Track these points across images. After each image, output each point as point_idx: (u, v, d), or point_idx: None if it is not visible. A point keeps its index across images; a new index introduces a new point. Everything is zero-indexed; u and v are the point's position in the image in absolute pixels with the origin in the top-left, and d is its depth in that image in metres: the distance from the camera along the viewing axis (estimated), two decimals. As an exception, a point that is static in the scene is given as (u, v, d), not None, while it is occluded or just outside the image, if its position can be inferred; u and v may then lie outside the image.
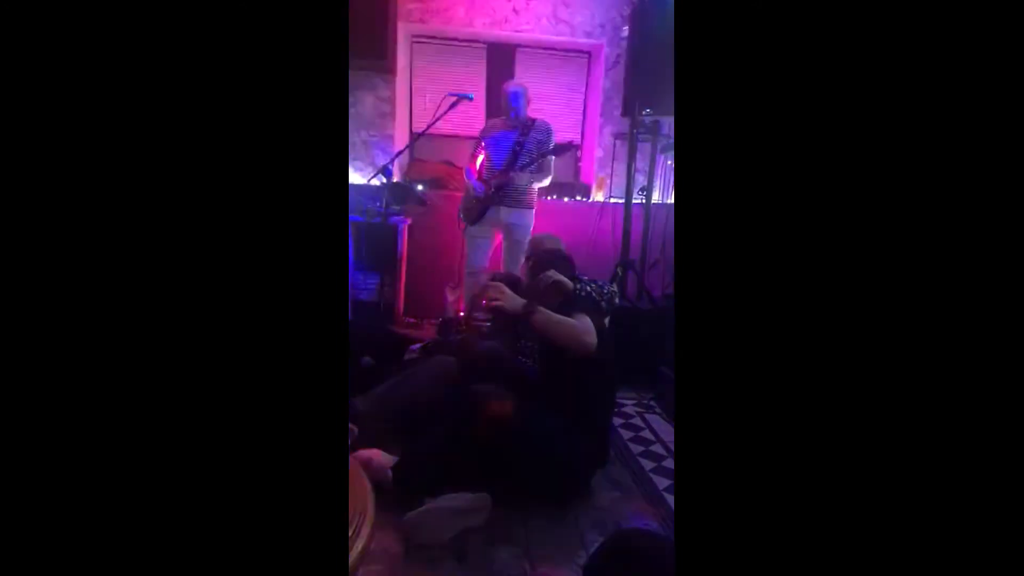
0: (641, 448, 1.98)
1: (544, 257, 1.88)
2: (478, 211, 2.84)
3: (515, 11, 3.70)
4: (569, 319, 1.50)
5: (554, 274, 1.73)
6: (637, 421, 2.22)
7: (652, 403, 2.41)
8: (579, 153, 2.91)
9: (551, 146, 2.80)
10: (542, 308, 1.48)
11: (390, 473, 1.49)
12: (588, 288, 1.86)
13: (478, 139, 2.94)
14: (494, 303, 1.49)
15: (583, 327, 1.50)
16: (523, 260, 2.29)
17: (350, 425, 1.70)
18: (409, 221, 3.36)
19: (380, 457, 1.54)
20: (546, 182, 2.90)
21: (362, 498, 0.90)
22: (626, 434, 2.08)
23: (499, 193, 2.78)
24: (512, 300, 1.49)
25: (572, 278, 1.82)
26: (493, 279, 1.61)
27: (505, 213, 2.83)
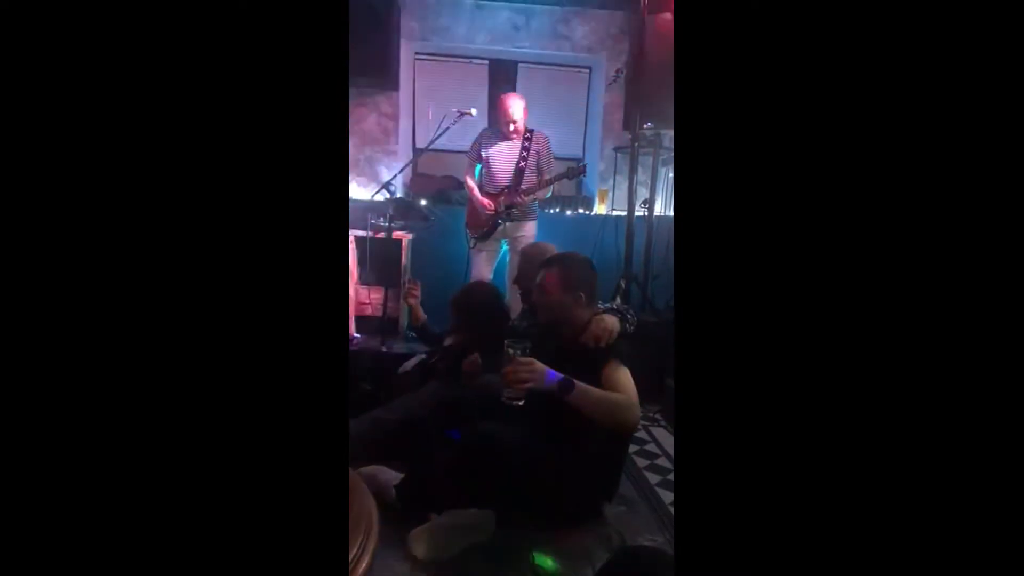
0: (646, 462, 1.97)
1: (575, 274, 1.55)
2: (488, 228, 2.87)
3: (515, 28, 3.74)
4: (610, 394, 1.32)
5: (612, 323, 1.48)
6: (642, 434, 2.20)
7: (657, 416, 2.40)
8: (584, 172, 2.94)
9: (564, 169, 2.84)
10: (579, 384, 1.30)
11: (393, 490, 1.49)
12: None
13: (475, 150, 2.95)
14: (526, 385, 1.29)
15: (626, 401, 1.32)
16: (516, 275, 2.23)
17: None
18: (412, 235, 3.37)
19: (384, 473, 1.54)
20: (548, 194, 2.95)
21: (367, 515, 0.90)
22: (631, 448, 2.07)
23: (508, 211, 2.82)
24: (544, 378, 1.29)
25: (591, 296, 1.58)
26: (511, 343, 1.35)
27: (511, 227, 2.86)
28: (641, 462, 1.96)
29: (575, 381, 1.30)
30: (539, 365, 1.30)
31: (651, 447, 2.10)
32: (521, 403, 1.33)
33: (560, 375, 1.30)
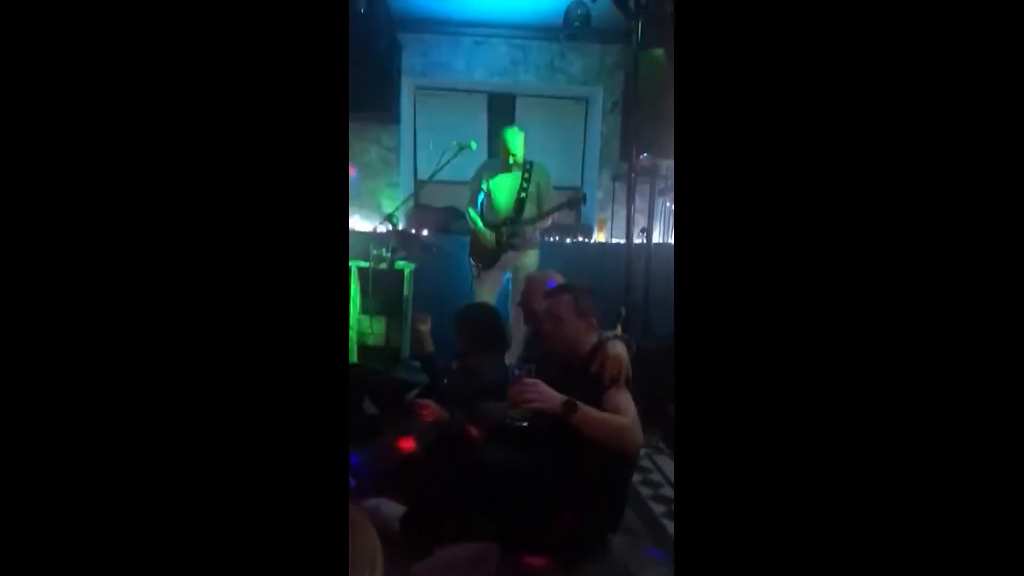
0: (650, 492, 1.95)
1: (576, 300, 1.57)
2: (492, 258, 2.91)
3: (514, 62, 3.85)
4: (613, 416, 1.35)
5: (621, 349, 1.49)
6: (646, 463, 2.19)
7: (660, 444, 2.38)
8: (583, 202, 2.99)
9: (564, 199, 2.90)
10: (583, 405, 1.33)
11: (397, 524, 1.48)
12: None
13: (476, 181, 3.01)
14: (531, 404, 1.33)
15: (629, 424, 1.35)
16: (520, 299, 2.26)
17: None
18: (415, 266, 3.41)
19: (387, 506, 1.53)
20: (549, 222, 3.00)
21: (371, 549, 0.90)
22: (634, 476, 2.05)
23: (510, 240, 2.87)
24: (549, 399, 1.33)
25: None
26: (516, 364, 1.42)
27: (513, 256, 2.91)
28: (645, 492, 1.94)
29: (578, 403, 1.33)
30: (543, 386, 1.34)
31: (655, 476, 2.08)
32: (526, 424, 1.36)
33: (564, 396, 1.33)
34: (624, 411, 1.37)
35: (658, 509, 1.82)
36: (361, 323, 3.41)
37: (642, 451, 2.28)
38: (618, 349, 1.50)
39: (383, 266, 3.11)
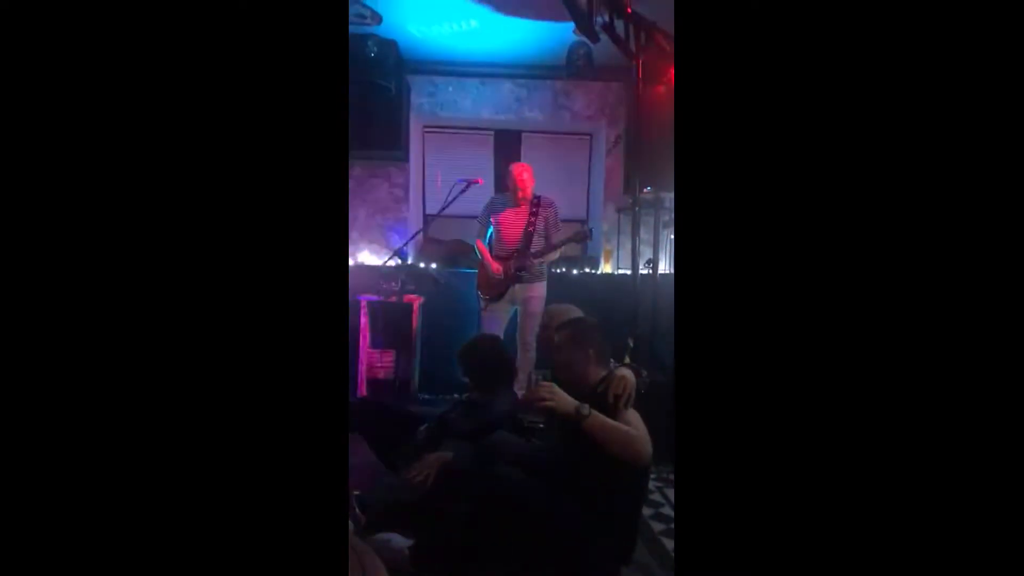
0: (662, 527, 1.93)
1: (585, 335, 1.64)
2: (499, 290, 2.95)
3: (518, 100, 3.95)
4: (623, 426, 1.40)
5: (631, 377, 1.53)
6: (657, 497, 2.16)
7: (671, 476, 2.36)
8: (590, 237, 3.05)
9: (571, 232, 2.96)
10: (596, 413, 1.38)
11: (407, 558, 1.47)
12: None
13: (485, 215, 3.07)
14: (544, 403, 1.39)
15: (639, 435, 1.39)
16: (539, 331, 2.28)
17: (359, 513, 1.70)
18: (423, 299, 3.44)
19: (397, 540, 1.53)
20: (556, 255, 3.03)
21: (380, 586, 0.91)
22: (646, 511, 2.03)
23: (518, 273, 2.91)
24: (563, 401, 1.40)
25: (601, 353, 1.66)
26: (534, 371, 1.47)
27: (520, 289, 2.95)
28: (657, 527, 1.92)
29: (591, 408, 1.38)
30: (558, 389, 1.41)
31: (666, 510, 2.06)
32: (541, 425, 1.44)
33: (577, 401, 1.39)
34: (634, 426, 1.42)
35: (670, 544, 1.79)
36: (370, 356, 3.43)
37: (653, 484, 2.25)
38: (624, 373, 1.55)
39: (392, 299, 3.16)
